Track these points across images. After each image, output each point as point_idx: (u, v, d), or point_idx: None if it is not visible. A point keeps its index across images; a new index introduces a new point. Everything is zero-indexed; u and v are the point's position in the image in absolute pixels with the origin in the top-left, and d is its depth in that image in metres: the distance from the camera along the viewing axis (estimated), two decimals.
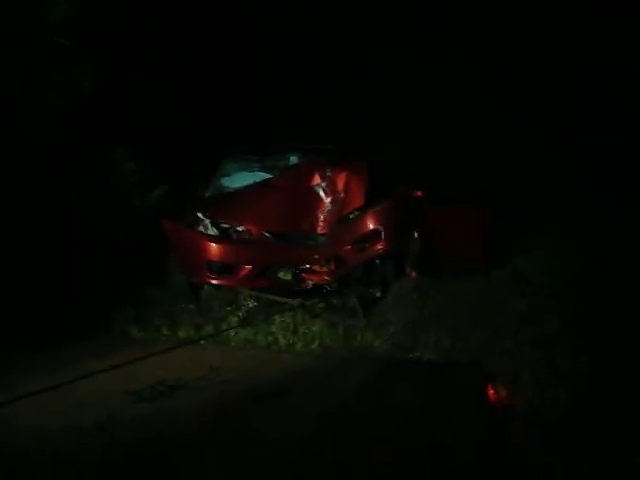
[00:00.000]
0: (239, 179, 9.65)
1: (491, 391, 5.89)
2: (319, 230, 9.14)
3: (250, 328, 7.83)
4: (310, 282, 8.79)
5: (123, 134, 10.06)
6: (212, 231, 8.78)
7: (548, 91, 15.47)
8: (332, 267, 8.77)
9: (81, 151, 9.48)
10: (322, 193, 9.24)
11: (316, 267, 8.81)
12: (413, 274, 9.20)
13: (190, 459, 4.23)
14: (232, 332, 7.77)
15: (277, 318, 8.05)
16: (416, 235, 9.42)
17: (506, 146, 14.91)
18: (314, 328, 7.80)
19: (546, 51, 15.67)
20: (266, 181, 9.54)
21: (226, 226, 8.90)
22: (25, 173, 8.56)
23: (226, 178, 9.78)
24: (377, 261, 8.92)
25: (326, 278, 8.78)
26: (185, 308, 8.37)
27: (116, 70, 9.92)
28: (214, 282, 8.55)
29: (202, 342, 7.52)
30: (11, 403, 5.03)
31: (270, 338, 7.62)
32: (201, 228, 8.77)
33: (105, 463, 4.11)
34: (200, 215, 8.85)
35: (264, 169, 9.76)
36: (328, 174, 9.30)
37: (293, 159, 9.82)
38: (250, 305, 8.48)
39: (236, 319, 8.13)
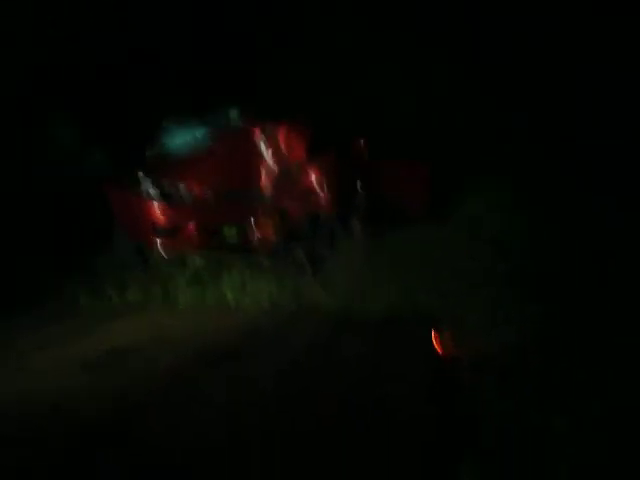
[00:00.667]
0: (180, 139, 9.46)
1: (439, 341, 5.89)
2: (262, 186, 9.02)
3: (198, 288, 7.81)
4: (256, 239, 8.70)
5: (65, 99, 9.91)
6: (155, 193, 8.65)
7: None
8: (277, 222, 8.70)
9: (24, 118, 9.38)
10: (264, 149, 9.08)
11: (261, 223, 8.71)
12: (358, 227, 9.12)
13: (142, 425, 4.24)
14: (181, 293, 7.74)
15: (225, 276, 8.01)
16: (359, 187, 9.32)
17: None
18: (262, 285, 7.77)
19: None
20: (206, 139, 9.39)
21: (169, 187, 8.79)
22: None
23: (167, 139, 9.56)
24: (322, 215, 8.89)
25: (271, 234, 8.71)
26: (133, 273, 8.28)
27: (57, 36, 9.80)
28: (159, 244, 8.48)
29: (151, 306, 7.49)
30: None
31: (219, 296, 7.60)
32: (144, 191, 8.64)
33: (57, 437, 4.09)
34: (142, 178, 8.71)
35: (204, 128, 9.54)
36: (270, 130, 9.14)
37: (234, 116, 9.60)
38: (197, 264, 8.42)
39: (184, 279, 8.08)
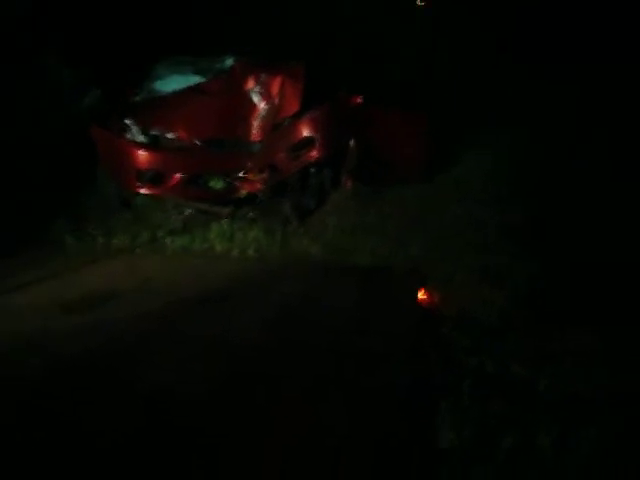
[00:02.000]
0: (171, 83, 9.14)
1: (424, 295, 5.91)
2: (252, 137, 8.78)
3: (186, 236, 7.73)
4: (243, 191, 8.50)
5: (57, 37, 9.67)
6: (141, 138, 8.39)
7: None
8: (265, 175, 8.47)
9: (16, 55, 9.10)
10: (256, 98, 8.83)
11: (249, 175, 8.50)
12: (349, 183, 8.99)
13: (121, 369, 4.16)
14: (168, 240, 7.65)
15: (214, 225, 7.95)
16: (353, 142, 9.14)
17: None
18: (251, 234, 7.75)
19: None
20: (198, 85, 9.07)
21: (156, 133, 8.54)
22: None
23: (158, 82, 9.27)
24: (312, 170, 8.67)
25: (259, 187, 8.49)
26: (120, 217, 8.19)
27: None
28: (143, 191, 8.22)
29: (137, 250, 7.38)
30: None
31: (206, 245, 7.57)
32: (129, 135, 8.37)
33: (35, 379, 4.02)
34: (128, 121, 8.44)
35: (197, 73, 9.26)
36: (263, 78, 8.86)
37: (227, 62, 9.30)
38: (186, 213, 8.31)
39: (172, 227, 8.02)
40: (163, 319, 5.14)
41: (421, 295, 5.94)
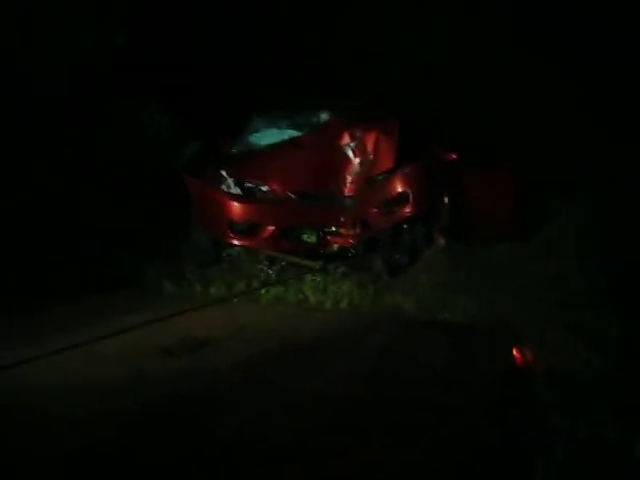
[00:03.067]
0: (266, 136, 9.30)
1: (517, 354, 5.79)
2: (346, 192, 8.72)
3: (280, 287, 7.76)
4: (335, 245, 8.46)
5: (157, 88, 9.96)
6: (235, 190, 8.47)
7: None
8: (358, 230, 8.42)
9: (118, 105, 9.43)
10: (351, 153, 8.80)
11: (342, 230, 8.46)
12: (441, 240, 8.95)
13: (216, 416, 4.15)
14: (263, 290, 7.69)
15: (308, 277, 7.98)
16: (446, 200, 9.12)
17: (539, 105, 14.42)
18: (344, 287, 7.74)
19: None
20: (293, 139, 9.17)
21: (250, 185, 8.60)
22: (59, 125, 8.47)
23: (253, 135, 9.46)
24: (405, 226, 8.66)
25: (351, 241, 8.43)
26: (214, 265, 8.35)
27: (149, 24, 9.86)
28: (236, 243, 8.31)
29: (235, 300, 7.43)
30: (38, 360, 4.90)
31: (300, 296, 7.59)
32: (224, 186, 8.46)
33: (128, 420, 4.05)
34: (224, 173, 8.55)
35: (292, 126, 9.40)
36: (358, 134, 8.84)
37: (323, 117, 9.40)
38: (282, 264, 8.33)
39: (266, 277, 8.06)
40: (256, 368, 5.14)
41: (514, 352, 5.83)
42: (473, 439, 4.07)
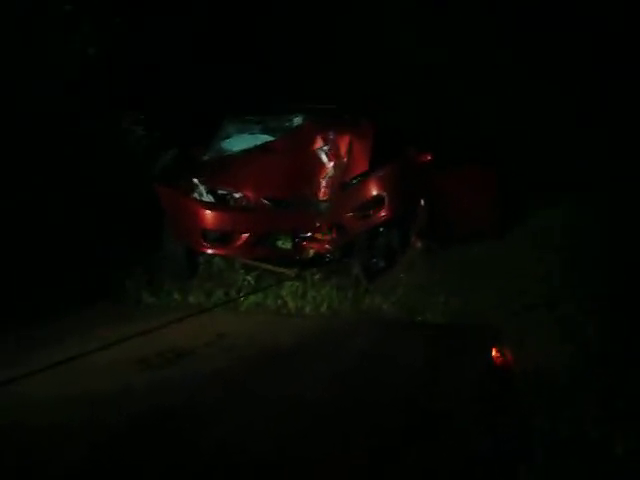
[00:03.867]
0: (238, 142, 9.19)
1: (497, 354, 5.67)
2: (321, 196, 8.68)
3: (259, 293, 7.68)
4: (311, 251, 8.41)
5: (128, 100, 9.97)
6: (208, 197, 8.31)
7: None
8: (334, 235, 8.36)
9: (90, 118, 9.39)
10: (324, 157, 8.75)
11: (317, 235, 8.41)
12: (419, 242, 8.86)
13: (198, 427, 4.09)
14: (242, 297, 7.61)
15: (287, 283, 7.92)
16: (423, 201, 9.03)
17: (537, 105, 14.45)
18: (323, 292, 7.65)
19: None
20: (265, 144, 9.06)
21: (223, 192, 8.46)
22: (32, 141, 8.36)
23: (225, 141, 9.35)
24: (381, 229, 8.53)
25: (327, 247, 8.38)
26: (190, 274, 8.30)
27: (120, 36, 9.75)
28: (210, 251, 8.16)
29: (213, 307, 7.35)
30: (24, 377, 4.91)
31: (279, 302, 7.49)
32: (196, 194, 8.29)
33: (111, 432, 3.99)
34: (196, 181, 8.37)
35: (265, 131, 9.31)
36: (331, 137, 8.79)
37: (296, 121, 9.33)
38: (257, 271, 8.29)
39: (246, 284, 7.97)
40: (236, 376, 5.06)
41: (493, 352, 5.71)
42: (456, 441, 3.98)
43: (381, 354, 5.74)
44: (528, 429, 4.24)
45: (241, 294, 7.71)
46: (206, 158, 9.10)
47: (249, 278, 8.09)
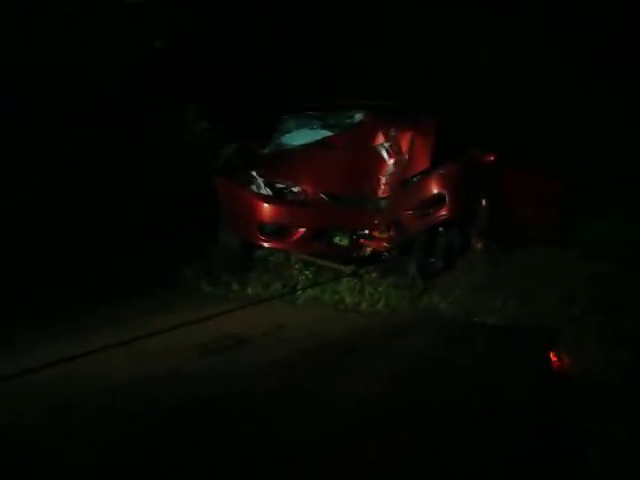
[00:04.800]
0: (298, 137, 9.06)
1: (555, 358, 5.59)
2: (380, 193, 8.43)
3: (317, 287, 7.65)
4: (368, 249, 8.23)
5: (194, 92, 10.04)
6: (266, 191, 8.21)
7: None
8: (392, 233, 8.15)
9: (155, 110, 9.48)
10: (385, 154, 8.50)
11: (375, 233, 8.21)
12: (479, 244, 8.69)
13: (253, 413, 4.10)
14: (300, 290, 7.60)
15: (344, 278, 7.85)
16: (484, 202, 8.87)
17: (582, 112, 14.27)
18: (380, 289, 7.54)
19: None
20: (326, 139, 8.91)
21: (281, 186, 8.34)
22: (98, 131, 8.54)
23: (285, 136, 9.23)
24: (440, 229, 8.35)
25: (385, 245, 8.18)
26: (249, 266, 8.30)
27: (187, 29, 9.87)
28: (266, 245, 8.07)
29: (271, 299, 7.38)
30: (80, 357, 4.99)
31: (337, 297, 7.43)
32: (254, 187, 8.21)
33: (170, 416, 4.03)
34: (254, 173, 8.29)
35: (325, 127, 9.15)
36: (392, 134, 8.53)
37: (356, 117, 9.13)
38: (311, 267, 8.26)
39: (304, 278, 7.94)
40: (291, 367, 5.04)
41: (550, 355, 5.63)
42: (506, 443, 3.88)
43: (438, 354, 5.67)
44: (581, 431, 4.11)
45: (299, 287, 7.68)
46: (265, 151, 9.02)
47: (307, 272, 8.05)
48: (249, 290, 7.65)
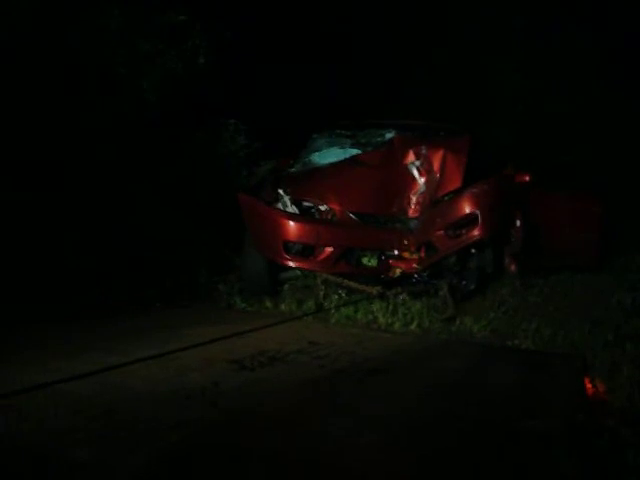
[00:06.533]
0: (328, 155, 8.93)
1: (589, 384, 5.37)
2: (410, 213, 8.26)
3: (350, 306, 7.51)
4: (397, 270, 7.95)
5: (233, 109, 10.28)
6: (292, 208, 8.00)
7: None
8: (422, 254, 7.91)
9: (196, 125, 9.71)
10: (416, 172, 8.33)
11: (405, 254, 7.97)
12: (513, 267, 8.46)
13: (286, 430, 4.00)
14: (333, 309, 7.47)
15: (376, 300, 7.69)
16: (519, 223, 8.65)
17: (618, 129, 14.15)
18: (414, 309, 7.42)
19: None
20: (355, 157, 8.74)
21: (308, 204, 8.18)
22: (141, 146, 8.72)
23: (314, 154, 9.09)
24: (473, 250, 8.04)
25: (415, 266, 7.91)
26: (285, 284, 8.37)
27: (228, 47, 10.12)
28: (290, 264, 7.79)
29: (304, 317, 7.33)
30: (118, 367, 4.99)
31: (370, 317, 7.30)
32: (280, 205, 8.01)
33: (206, 427, 3.97)
34: (281, 191, 8.09)
35: (355, 145, 9.01)
36: (423, 152, 8.35)
37: (387, 135, 8.97)
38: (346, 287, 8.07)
39: (337, 296, 7.85)
40: (324, 385, 4.93)
41: (584, 381, 5.41)
42: (543, 468, 3.69)
43: (472, 376, 5.51)
44: (618, 462, 3.91)
45: (332, 306, 7.58)
46: (293, 170, 8.86)
47: (341, 292, 7.96)
48: (282, 307, 7.63)
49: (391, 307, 7.47)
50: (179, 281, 7.95)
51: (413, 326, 7.08)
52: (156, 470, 3.37)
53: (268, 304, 7.70)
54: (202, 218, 8.97)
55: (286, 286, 8.33)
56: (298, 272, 8.29)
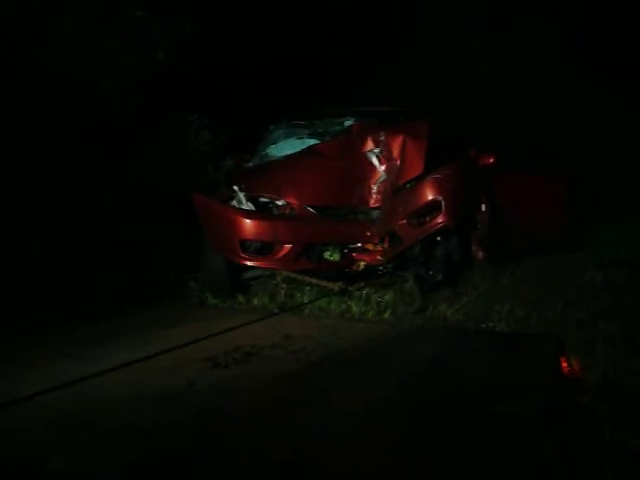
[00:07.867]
0: (284, 147, 8.67)
1: (564, 363, 5.32)
2: (372, 203, 7.94)
3: (323, 299, 7.36)
4: (361, 263, 7.72)
5: (195, 103, 9.99)
6: (247, 206, 7.67)
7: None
8: (386, 245, 7.64)
9: (158, 121, 9.45)
10: (375, 160, 7.97)
11: (368, 246, 7.72)
12: (480, 253, 8.30)
13: (264, 428, 3.90)
14: (306, 301, 7.38)
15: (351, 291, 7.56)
16: (484, 207, 8.48)
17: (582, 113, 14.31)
18: (387, 297, 7.29)
19: None
20: (312, 148, 8.44)
21: (264, 200, 7.86)
22: (99, 145, 8.40)
23: (271, 147, 8.84)
24: (438, 238, 7.73)
25: (379, 258, 7.65)
26: (253, 278, 8.10)
27: (188, 41, 9.85)
28: (249, 263, 7.46)
29: (277, 310, 7.17)
30: (92, 378, 4.80)
31: (343, 307, 7.15)
32: (235, 202, 7.68)
33: (181, 430, 3.87)
34: (236, 188, 7.76)
35: (313, 135, 8.76)
36: (382, 138, 8.00)
37: (346, 123, 8.73)
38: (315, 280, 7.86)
39: (309, 289, 7.73)
40: (301, 379, 4.86)
41: (560, 361, 5.36)
42: (522, 450, 3.63)
43: (443, 361, 5.47)
44: (595, 439, 3.90)
45: (305, 299, 7.47)
46: (249, 165, 8.60)
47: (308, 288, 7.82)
48: (255, 301, 7.53)
49: (364, 296, 7.38)
50: (149, 281, 7.77)
51: (387, 314, 6.96)
52: (132, 478, 3.28)
53: (240, 299, 7.58)
54: (169, 216, 8.67)
55: (259, 279, 8.08)
56: (259, 271, 7.97)
